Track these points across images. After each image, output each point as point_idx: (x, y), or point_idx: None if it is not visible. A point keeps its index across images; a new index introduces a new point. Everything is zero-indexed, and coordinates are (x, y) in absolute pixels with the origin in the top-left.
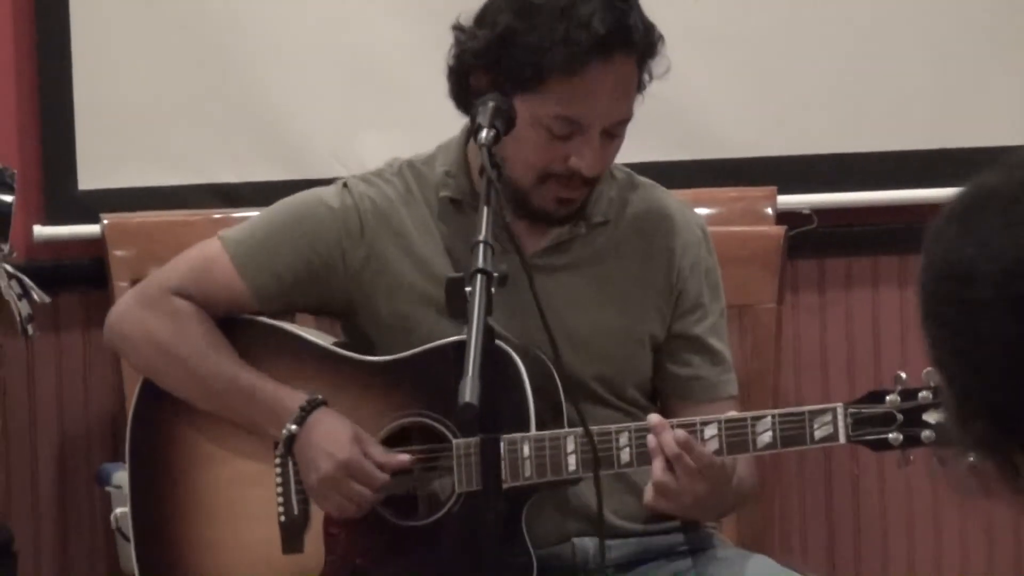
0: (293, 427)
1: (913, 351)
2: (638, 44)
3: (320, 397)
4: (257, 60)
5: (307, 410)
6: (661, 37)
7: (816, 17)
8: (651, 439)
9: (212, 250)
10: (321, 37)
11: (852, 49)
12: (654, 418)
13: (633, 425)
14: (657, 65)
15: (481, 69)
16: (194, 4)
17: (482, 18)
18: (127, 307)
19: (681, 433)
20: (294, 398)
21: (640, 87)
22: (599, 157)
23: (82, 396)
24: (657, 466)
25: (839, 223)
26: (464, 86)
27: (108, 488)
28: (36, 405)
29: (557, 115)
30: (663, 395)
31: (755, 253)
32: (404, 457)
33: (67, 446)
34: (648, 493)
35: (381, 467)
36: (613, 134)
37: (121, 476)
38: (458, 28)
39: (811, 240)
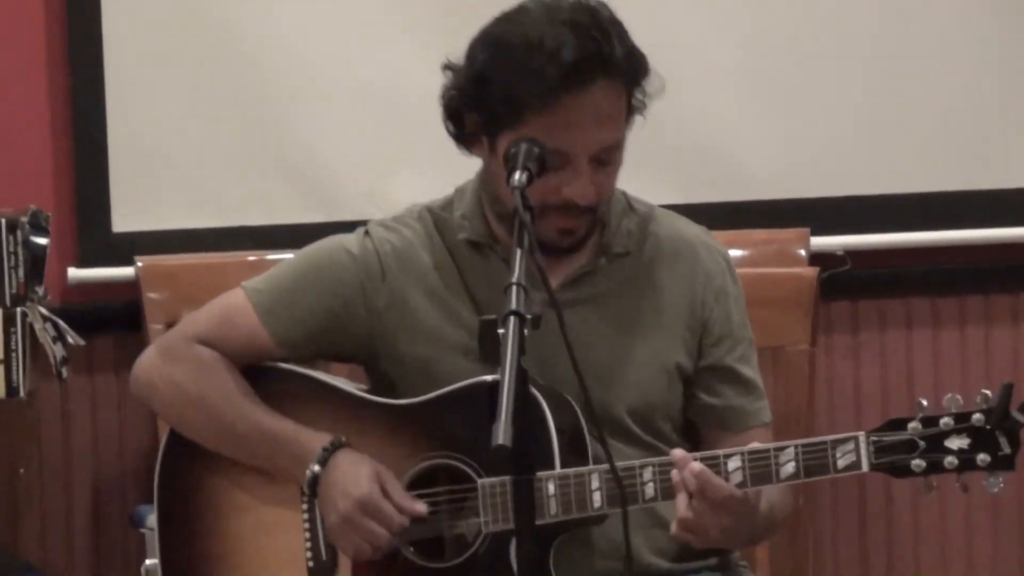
0: (316, 468)
1: (946, 391)
2: (615, 68)
3: (343, 438)
4: (290, 103)
5: (330, 451)
6: (643, 58)
7: (847, 60)
8: (675, 474)
9: (235, 299)
10: (353, 80)
11: (883, 91)
12: (677, 452)
13: (656, 460)
14: (650, 84)
15: (468, 109)
16: (227, 49)
17: (465, 58)
18: (151, 357)
19: (696, 466)
20: (317, 440)
21: (632, 109)
22: (590, 184)
23: (116, 438)
24: (681, 502)
25: (872, 264)
26: (459, 128)
27: (143, 530)
28: (71, 447)
29: (542, 147)
30: (696, 426)
31: (788, 294)
32: (421, 506)
33: (101, 488)
34: (674, 527)
35: (400, 509)
36: (603, 160)
37: (155, 519)
38: (447, 67)
39: (844, 281)
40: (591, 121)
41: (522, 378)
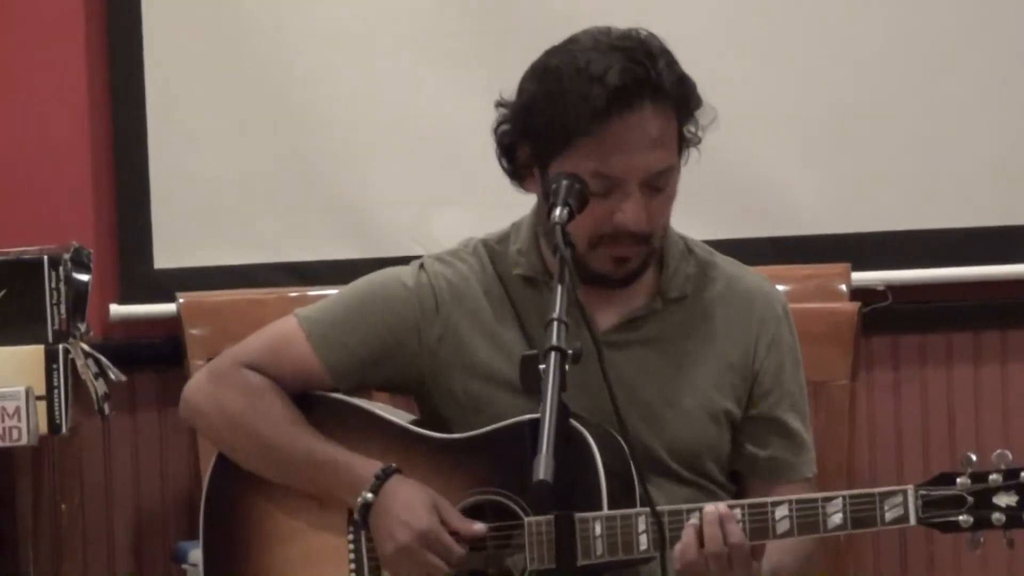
0: (369, 495)
1: (988, 428)
2: (664, 93)
3: (395, 465)
4: (332, 139)
5: (382, 478)
6: (694, 85)
7: (888, 95)
8: (708, 528)
9: (288, 327)
10: (395, 116)
11: (925, 126)
12: (709, 508)
13: (705, 506)
14: (703, 116)
15: (520, 142)
16: (269, 85)
17: (517, 91)
18: (201, 381)
19: (723, 507)
20: (369, 467)
21: (684, 139)
22: (641, 209)
23: (158, 474)
24: (689, 533)
25: (913, 299)
26: (512, 163)
27: (184, 566)
28: (112, 483)
29: (591, 172)
30: (739, 473)
31: (829, 329)
32: (480, 526)
33: (143, 524)
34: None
35: (458, 536)
36: (655, 186)
37: (197, 554)
38: (499, 104)
39: (885, 316)
40: (640, 144)
41: (563, 413)
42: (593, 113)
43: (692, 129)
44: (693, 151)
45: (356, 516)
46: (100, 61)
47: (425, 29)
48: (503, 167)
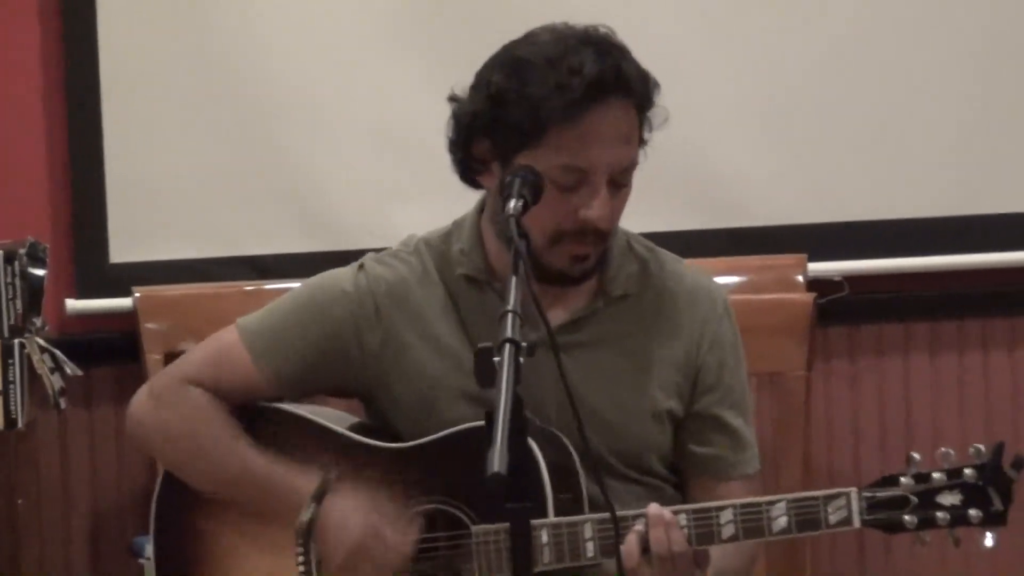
0: (307, 516)
1: (945, 418)
2: (634, 89)
3: (330, 477)
4: (288, 132)
5: (321, 492)
6: (657, 85)
7: (843, 87)
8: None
9: (229, 339)
10: (354, 109)
11: (881, 117)
12: (653, 509)
13: (650, 508)
14: (656, 116)
15: (480, 135)
16: (225, 78)
17: (475, 84)
18: (143, 401)
19: (668, 512)
20: (308, 482)
21: (642, 138)
22: (608, 206)
23: (115, 469)
24: (632, 540)
25: (869, 290)
26: (468, 157)
27: (142, 560)
28: (69, 478)
29: (561, 165)
30: (680, 469)
31: (785, 321)
32: (414, 525)
33: (100, 518)
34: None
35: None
36: (619, 183)
37: (152, 550)
38: (453, 99)
39: (841, 307)
40: (612, 138)
41: (517, 407)
42: (569, 103)
43: (648, 129)
44: (648, 144)
45: (300, 533)
46: (55, 54)
47: (384, 23)
48: (455, 161)
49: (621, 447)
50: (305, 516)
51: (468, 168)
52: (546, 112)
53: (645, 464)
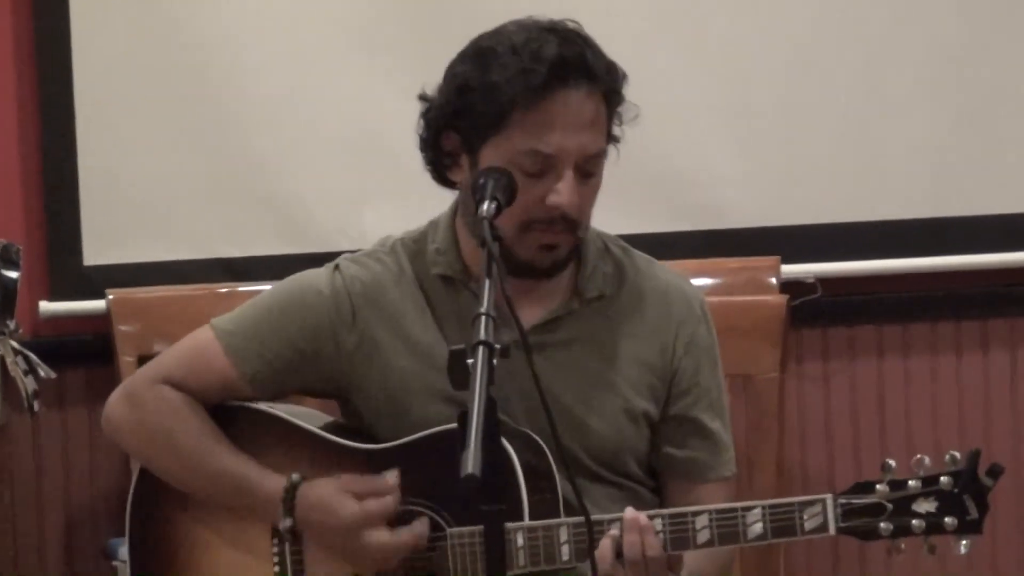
0: (288, 521)
1: (918, 419)
2: (598, 76)
3: (296, 478)
4: (262, 135)
5: (290, 497)
6: (625, 76)
7: (817, 89)
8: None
9: (204, 339)
10: (327, 111)
11: (854, 119)
12: (629, 516)
13: (625, 512)
14: (627, 111)
15: (448, 127)
16: (198, 81)
17: (443, 79)
18: (119, 400)
19: (643, 517)
20: (276, 485)
21: (612, 133)
22: (575, 192)
23: (88, 471)
24: (605, 544)
25: (842, 292)
26: (438, 154)
27: (115, 562)
28: (43, 480)
29: (526, 151)
30: (657, 472)
31: (758, 322)
32: (392, 478)
33: (74, 521)
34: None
35: (372, 492)
36: (588, 171)
37: (127, 551)
38: (423, 97)
39: (815, 309)
40: (576, 123)
41: (491, 408)
42: (532, 87)
43: (617, 123)
44: (622, 147)
45: (286, 538)
46: (28, 56)
47: (357, 24)
48: (426, 160)
49: (595, 448)
50: (284, 525)
51: (439, 164)
52: (508, 97)
53: (621, 466)
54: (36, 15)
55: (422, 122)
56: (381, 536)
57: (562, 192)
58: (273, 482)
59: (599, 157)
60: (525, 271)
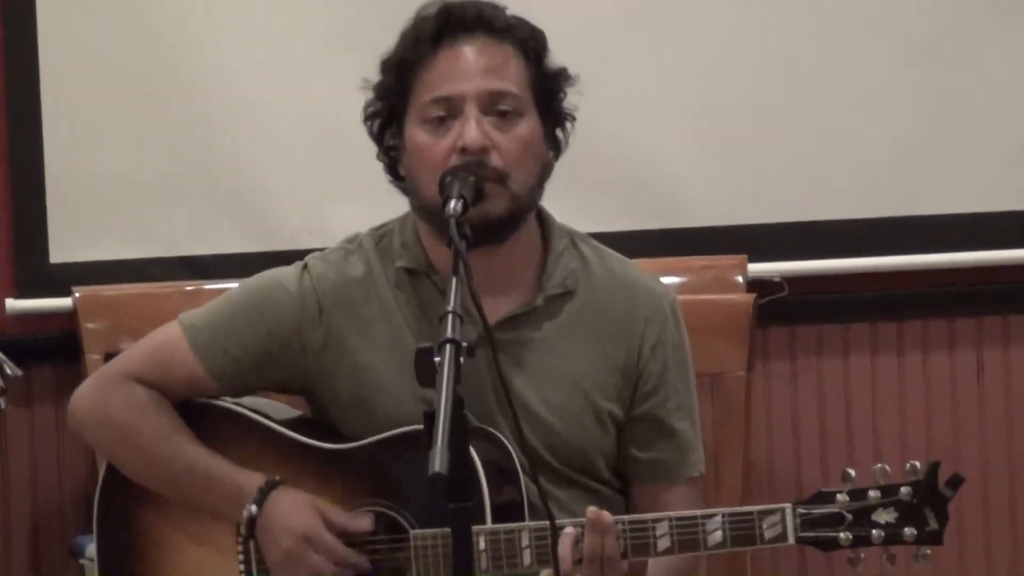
0: (253, 508)
1: (885, 418)
2: (496, 28)
3: (278, 478)
4: (228, 134)
5: (266, 491)
6: (540, 33)
7: (783, 88)
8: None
9: (171, 335)
10: (292, 110)
11: (820, 118)
12: (591, 513)
13: (588, 510)
14: (567, 81)
15: (383, 115)
16: (164, 78)
17: None
18: (87, 392)
19: (607, 515)
20: (252, 480)
21: (543, 90)
22: (478, 128)
23: (55, 468)
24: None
25: (809, 290)
26: (388, 151)
27: (82, 560)
28: (9, 478)
29: (428, 101)
30: (624, 474)
31: (725, 321)
32: (365, 522)
33: (40, 518)
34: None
35: (341, 534)
36: (498, 111)
37: (94, 549)
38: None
39: (781, 308)
40: (474, 69)
41: (458, 406)
42: (423, 43)
43: (553, 87)
44: (588, 145)
45: (242, 530)
46: None
47: (321, 23)
48: (380, 160)
49: (560, 447)
50: (247, 513)
51: (390, 160)
52: (408, 60)
53: (587, 467)
54: (3, 12)
55: (366, 123)
56: (320, 562)
57: (465, 130)
58: (245, 477)
59: (509, 97)
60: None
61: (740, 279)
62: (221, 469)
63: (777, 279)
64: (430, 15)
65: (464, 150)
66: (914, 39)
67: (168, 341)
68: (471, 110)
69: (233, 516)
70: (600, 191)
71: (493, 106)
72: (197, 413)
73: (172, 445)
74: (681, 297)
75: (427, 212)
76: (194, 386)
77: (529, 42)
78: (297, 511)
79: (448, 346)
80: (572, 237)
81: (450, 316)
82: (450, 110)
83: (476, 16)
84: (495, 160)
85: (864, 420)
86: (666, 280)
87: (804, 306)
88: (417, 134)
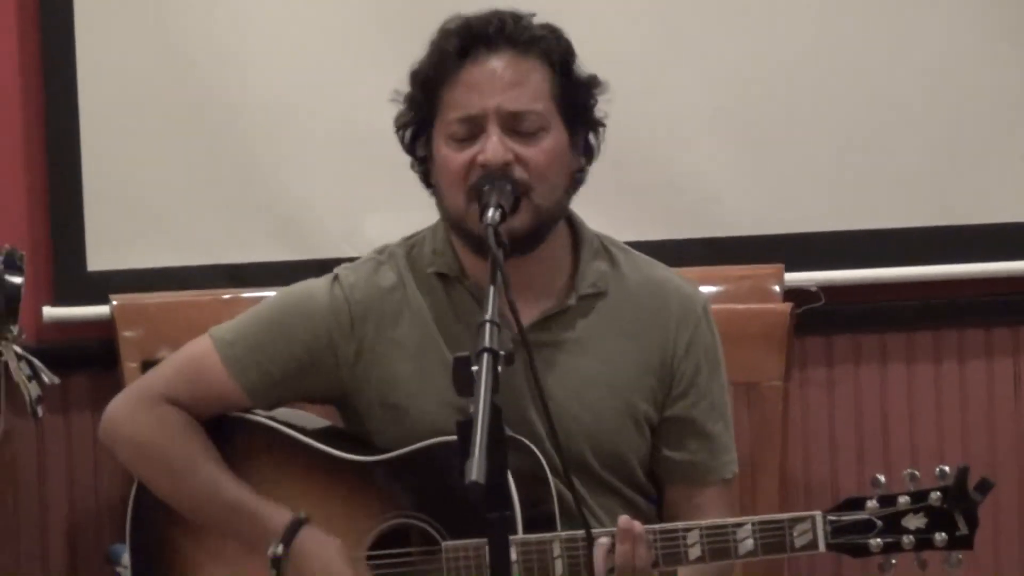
0: (280, 548)
1: (921, 427)
2: (518, 41)
3: (303, 516)
4: (266, 142)
5: (292, 531)
6: (567, 43)
7: (822, 96)
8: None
9: (203, 350)
10: (331, 117)
11: (858, 127)
12: (623, 522)
13: (620, 519)
14: (600, 89)
15: (414, 126)
16: (201, 87)
17: None
18: (117, 411)
19: (638, 525)
20: (278, 517)
21: (570, 102)
22: (499, 143)
23: (92, 476)
24: (598, 555)
25: (846, 300)
26: (420, 161)
27: (118, 568)
28: (46, 486)
29: (454, 119)
30: (656, 475)
31: (762, 330)
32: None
33: (77, 526)
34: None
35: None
36: (520, 130)
37: (129, 558)
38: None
39: (818, 317)
40: (497, 84)
41: (496, 416)
42: (448, 57)
43: (580, 96)
44: (626, 154)
45: (268, 567)
46: (33, 63)
47: (362, 31)
48: (415, 171)
49: (598, 449)
50: (271, 552)
51: (423, 169)
52: (433, 79)
53: (623, 469)
54: (41, 22)
55: (400, 139)
56: None
57: (486, 146)
58: (272, 512)
59: (531, 116)
60: (483, 244)
61: (777, 288)
62: (246, 501)
63: (814, 288)
64: (454, 30)
65: (485, 165)
66: (952, 47)
67: (200, 357)
68: (493, 128)
69: (257, 547)
70: (637, 200)
71: (515, 125)
72: (228, 427)
73: (199, 470)
74: (718, 306)
75: (453, 222)
76: (227, 401)
77: (555, 53)
78: (326, 557)
79: (486, 355)
80: (602, 241)
81: (488, 325)
82: (473, 128)
83: (499, 30)
84: (518, 173)
85: (901, 429)
86: (703, 289)
87: (841, 315)
88: (442, 148)
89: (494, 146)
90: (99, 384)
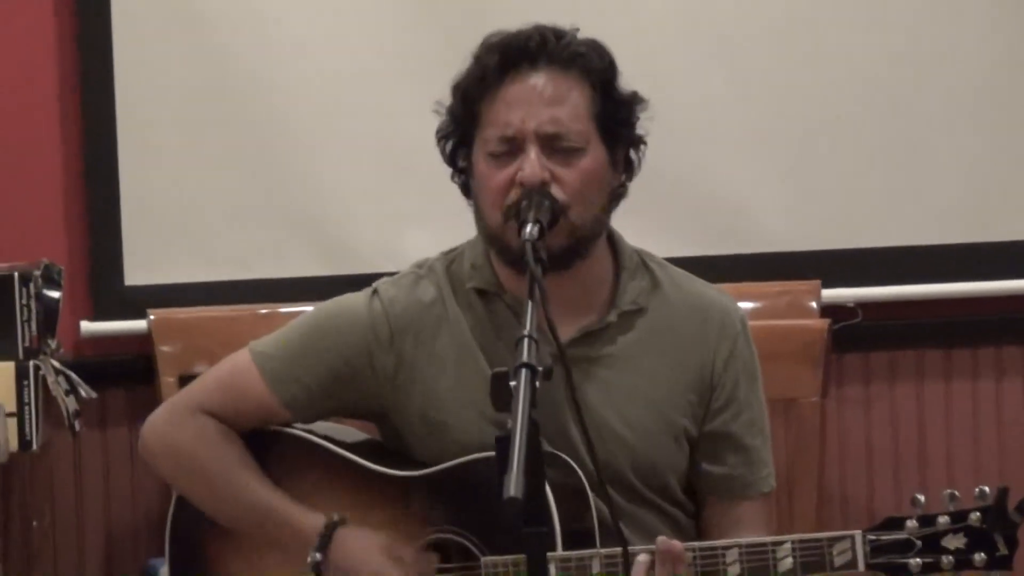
0: (318, 555)
1: (958, 444)
2: (559, 58)
3: (336, 517)
4: (303, 156)
5: (327, 535)
6: (610, 61)
7: (859, 113)
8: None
9: (242, 364)
10: (367, 132)
11: (896, 143)
12: (661, 542)
13: (658, 540)
14: (642, 108)
15: (455, 138)
16: (240, 101)
17: None
18: (156, 423)
19: (678, 544)
20: (313, 523)
21: (610, 120)
22: (536, 163)
23: (129, 491)
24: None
25: (883, 317)
26: (460, 172)
27: None
28: (83, 500)
29: (493, 137)
30: (695, 490)
31: (799, 347)
32: (432, 559)
33: (114, 541)
34: None
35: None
36: (558, 148)
37: (167, 573)
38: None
39: (855, 334)
40: (536, 103)
41: (534, 431)
42: (488, 74)
43: (621, 113)
44: (662, 171)
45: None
46: (71, 78)
47: (398, 45)
48: (455, 182)
49: (637, 465)
50: (311, 560)
51: (463, 181)
52: (474, 94)
53: (662, 485)
54: (79, 37)
55: (441, 150)
56: None
57: (524, 166)
58: (307, 518)
59: (570, 135)
60: (520, 260)
61: (814, 304)
62: (283, 509)
63: (851, 305)
64: (495, 44)
65: (523, 184)
66: (988, 64)
67: (239, 371)
68: (531, 148)
69: (297, 556)
70: (674, 216)
71: (553, 144)
72: (267, 441)
73: (237, 481)
74: (755, 322)
75: (490, 238)
76: (266, 415)
77: (595, 71)
78: (367, 556)
79: (524, 370)
80: (641, 256)
81: (526, 340)
82: (512, 147)
83: (540, 46)
84: (556, 192)
85: (938, 447)
86: (740, 305)
87: (878, 332)
88: (481, 164)
89: (532, 165)
90: (136, 399)
